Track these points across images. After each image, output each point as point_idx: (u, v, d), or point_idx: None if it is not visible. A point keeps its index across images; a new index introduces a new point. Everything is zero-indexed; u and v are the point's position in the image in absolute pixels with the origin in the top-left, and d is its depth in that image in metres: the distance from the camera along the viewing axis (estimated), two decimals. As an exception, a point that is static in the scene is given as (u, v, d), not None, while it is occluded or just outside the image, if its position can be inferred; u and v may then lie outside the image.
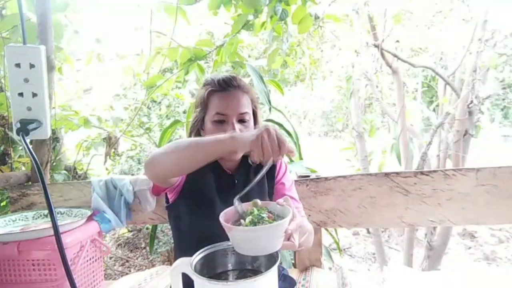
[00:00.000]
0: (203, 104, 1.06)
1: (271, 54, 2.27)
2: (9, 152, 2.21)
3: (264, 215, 0.80)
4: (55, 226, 0.73)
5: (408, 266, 3.25)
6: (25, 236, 1.27)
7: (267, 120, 2.21)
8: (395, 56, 3.27)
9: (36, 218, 1.54)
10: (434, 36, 3.66)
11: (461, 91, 3.06)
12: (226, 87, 1.04)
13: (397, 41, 3.43)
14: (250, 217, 0.79)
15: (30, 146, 0.76)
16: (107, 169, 3.22)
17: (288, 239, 0.78)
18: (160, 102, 3.71)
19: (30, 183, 1.79)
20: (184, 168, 0.88)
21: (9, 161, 2.22)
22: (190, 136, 1.10)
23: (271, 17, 1.98)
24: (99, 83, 4.04)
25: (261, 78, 1.93)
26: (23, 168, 2.25)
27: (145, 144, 3.47)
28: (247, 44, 3.93)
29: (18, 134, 0.81)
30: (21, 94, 0.83)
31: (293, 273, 1.50)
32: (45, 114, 0.85)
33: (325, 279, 1.43)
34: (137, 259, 3.10)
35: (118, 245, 3.25)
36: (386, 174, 1.54)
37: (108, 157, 2.88)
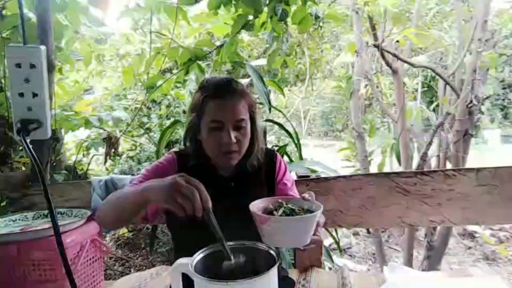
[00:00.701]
0: (198, 110, 1.02)
1: (271, 54, 2.26)
2: (9, 152, 2.21)
3: (294, 207, 0.81)
4: (55, 226, 0.73)
5: (408, 266, 3.25)
6: (25, 236, 1.27)
7: (267, 120, 2.21)
8: (395, 56, 3.27)
9: (36, 218, 1.55)
10: (434, 36, 3.66)
11: (461, 91, 3.06)
12: (222, 92, 1.00)
13: (397, 41, 3.43)
14: (282, 209, 0.79)
15: (31, 146, 0.76)
16: (107, 169, 3.22)
17: (314, 234, 0.79)
18: (160, 102, 3.71)
19: (30, 183, 1.79)
20: (124, 222, 0.92)
21: (9, 161, 2.22)
22: (185, 140, 1.07)
23: (271, 17, 1.98)
24: (99, 83, 4.04)
25: (261, 78, 1.93)
26: (23, 168, 2.25)
27: (145, 144, 3.47)
28: (247, 44, 3.93)
29: (18, 134, 0.81)
30: (21, 94, 0.83)
31: (293, 273, 1.50)
32: (46, 114, 0.85)
33: (325, 279, 1.43)
34: (137, 259, 3.10)
35: (118, 245, 3.25)
36: (386, 174, 1.55)
37: (108, 157, 2.88)
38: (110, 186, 1.67)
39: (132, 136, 3.46)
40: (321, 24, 3.40)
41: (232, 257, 0.76)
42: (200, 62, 2.10)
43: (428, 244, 3.19)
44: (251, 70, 1.95)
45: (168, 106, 3.65)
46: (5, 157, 2.22)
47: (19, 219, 1.51)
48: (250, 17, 1.98)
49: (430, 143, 3.09)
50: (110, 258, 3.04)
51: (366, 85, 4.15)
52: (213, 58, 2.30)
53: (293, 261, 1.68)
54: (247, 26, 2.00)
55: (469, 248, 4.14)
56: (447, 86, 3.33)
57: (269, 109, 1.95)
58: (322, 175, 1.67)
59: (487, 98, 3.28)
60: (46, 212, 1.57)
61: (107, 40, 3.73)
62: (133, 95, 3.73)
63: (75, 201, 1.73)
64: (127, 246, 3.24)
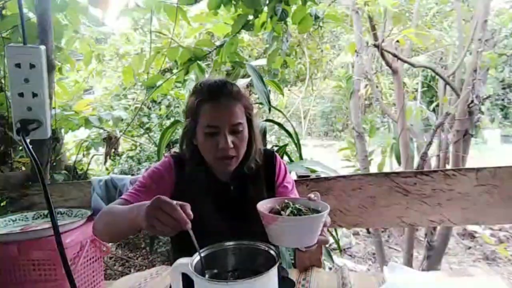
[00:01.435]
0: (194, 114, 0.98)
1: (271, 54, 2.26)
2: (9, 152, 2.21)
3: (301, 208, 0.81)
4: (55, 226, 0.73)
5: (408, 266, 3.25)
6: (25, 236, 1.27)
7: (267, 120, 2.21)
8: (395, 56, 3.27)
9: (36, 218, 1.55)
10: (434, 36, 3.66)
11: (461, 91, 3.06)
12: (216, 96, 0.96)
13: (397, 41, 3.43)
14: (290, 209, 0.79)
15: (30, 146, 0.76)
16: (107, 169, 3.22)
17: (320, 234, 0.79)
18: (160, 102, 3.71)
19: (30, 183, 1.79)
20: (121, 238, 0.92)
21: (9, 161, 2.22)
22: (181, 145, 1.05)
23: (271, 17, 1.98)
24: (99, 83, 4.05)
25: (261, 78, 1.93)
26: (23, 168, 2.25)
27: (145, 144, 3.48)
28: (247, 44, 3.93)
29: (18, 134, 0.82)
30: (21, 94, 0.84)
31: (293, 273, 1.50)
32: (45, 114, 0.85)
33: (325, 279, 1.43)
34: (137, 259, 3.10)
35: (118, 245, 3.25)
36: (386, 174, 1.55)
37: (108, 157, 2.88)
38: (110, 186, 1.67)
39: (132, 136, 3.46)
40: (321, 24, 3.40)
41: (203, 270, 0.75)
42: (200, 62, 2.10)
43: (428, 244, 3.19)
44: (251, 70, 1.95)
45: (168, 106, 3.65)
46: (5, 157, 2.22)
47: (19, 219, 1.52)
48: (250, 17, 1.98)
49: (430, 143, 3.09)
50: (110, 258, 3.04)
51: (366, 85, 4.15)
52: (213, 58, 2.30)
53: (293, 261, 1.68)
54: (247, 26, 2.00)
55: (469, 248, 4.14)
56: (447, 86, 3.33)
57: (269, 109, 1.95)
58: (322, 175, 1.67)
59: (487, 98, 3.28)
60: (46, 212, 1.57)
61: (107, 40, 3.73)
62: (133, 95, 3.73)
63: (75, 201, 1.73)
64: (127, 246, 3.24)
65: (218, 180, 1.05)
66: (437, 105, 3.99)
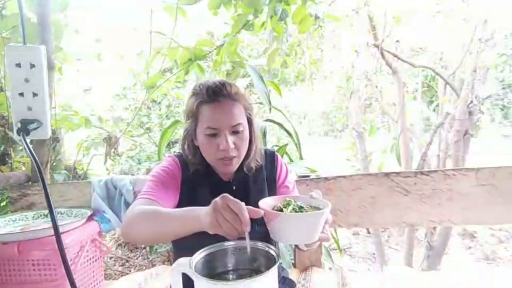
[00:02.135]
0: (193, 116, 0.98)
1: (271, 54, 2.27)
2: (9, 152, 2.21)
3: (303, 205, 0.81)
4: (55, 226, 0.73)
5: (408, 266, 3.25)
6: (25, 236, 1.27)
7: (267, 120, 2.21)
8: (395, 56, 3.27)
9: (36, 218, 1.55)
10: (434, 36, 3.66)
11: (461, 91, 3.07)
12: (215, 97, 0.95)
13: (397, 41, 3.43)
14: (291, 206, 0.80)
15: (30, 146, 0.76)
16: (107, 169, 3.22)
17: (322, 232, 0.79)
18: (160, 102, 3.71)
19: (30, 183, 1.79)
20: (163, 239, 0.88)
21: (9, 161, 2.22)
22: (183, 146, 1.04)
23: (271, 17, 1.98)
24: (99, 83, 4.05)
25: (261, 78, 1.93)
26: (23, 168, 2.25)
27: (145, 144, 3.48)
28: (247, 44, 3.93)
29: (18, 134, 0.81)
30: (21, 94, 0.83)
31: (293, 273, 1.50)
32: (45, 114, 0.85)
33: (325, 279, 1.43)
34: (137, 259, 3.10)
35: (118, 245, 3.25)
36: (386, 174, 1.55)
37: (108, 157, 2.88)
38: (110, 186, 1.67)
39: (132, 136, 3.46)
40: (321, 24, 3.40)
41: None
42: (200, 62, 2.10)
43: (428, 244, 3.19)
44: (251, 70, 1.95)
45: (168, 106, 3.65)
46: (5, 157, 2.22)
47: (19, 219, 1.51)
48: (250, 17, 1.98)
49: (430, 143, 3.09)
50: (110, 258, 3.04)
51: (366, 85, 4.15)
52: (213, 58, 2.30)
53: (293, 261, 1.68)
54: (247, 26, 2.00)
55: (469, 248, 4.14)
56: (447, 86, 3.33)
57: (270, 109, 1.95)
58: (322, 175, 1.67)
59: (487, 98, 3.28)
60: (46, 212, 1.57)
61: (107, 39, 3.73)
62: (133, 95, 3.73)
63: (75, 201, 1.73)
64: (127, 246, 3.24)
65: (220, 180, 1.06)
66: (437, 105, 3.99)
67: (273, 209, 0.81)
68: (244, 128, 0.98)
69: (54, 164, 2.35)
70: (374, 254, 4.04)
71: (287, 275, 1.19)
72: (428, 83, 4.59)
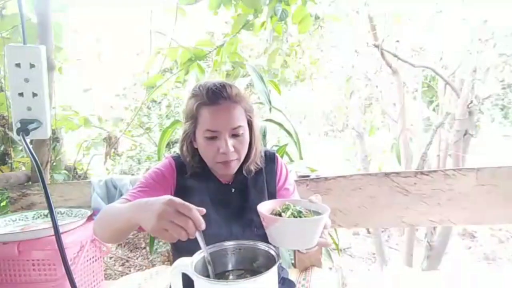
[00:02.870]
0: (193, 118, 0.96)
1: (271, 54, 2.27)
2: (9, 152, 2.21)
3: (302, 210, 0.81)
4: (55, 226, 0.73)
5: (408, 266, 3.25)
6: (25, 236, 1.27)
7: (267, 120, 2.21)
8: (395, 56, 3.27)
9: (36, 218, 1.55)
10: (434, 36, 3.66)
11: (461, 91, 3.07)
12: (215, 99, 0.93)
13: (397, 41, 3.43)
14: (290, 211, 0.79)
15: (30, 146, 0.76)
16: (107, 169, 3.22)
17: (320, 236, 0.78)
18: (160, 102, 3.71)
19: (30, 183, 1.79)
20: (120, 238, 0.86)
21: (9, 161, 2.22)
22: (182, 148, 1.03)
23: (271, 17, 1.98)
24: (99, 83, 4.04)
25: (261, 78, 1.93)
26: (23, 168, 2.25)
27: (145, 144, 3.47)
28: (247, 44, 3.93)
29: (18, 134, 0.81)
30: (21, 94, 0.83)
31: (293, 273, 1.50)
32: (45, 114, 0.85)
33: (325, 279, 1.43)
34: (137, 259, 3.10)
35: (118, 245, 3.25)
36: (386, 174, 1.55)
37: (108, 157, 2.88)
38: (110, 186, 1.67)
39: (132, 136, 3.46)
40: (321, 24, 3.40)
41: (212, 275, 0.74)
42: (200, 62, 2.10)
43: (428, 244, 3.19)
44: (251, 70, 1.95)
45: (168, 106, 3.65)
46: (5, 157, 2.22)
47: (19, 219, 1.52)
48: (250, 17, 1.98)
49: (430, 143, 3.09)
50: (110, 258, 3.04)
51: (366, 85, 4.15)
52: (213, 58, 2.30)
53: (292, 261, 1.68)
54: (247, 26, 2.00)
55: (469, 248, 4.14)
56: (447, 86, 3.33)
57: (270, 109, 1.95)
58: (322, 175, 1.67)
59: (487, 98, 3.28)
60: (46, 212, 1.57)
61: (107, 39, 3.73)
62: (133, 95, 3.73)
63: (75, 201, 1.73)
64: (127, 246, 3.24)
65: (219, 183, 1.04)
66: (437, 105, 3.99)
67: (271, 213, 0.81)
68: (244, 130, 0.97)
69: (54, 164, 2.35)
70: (374, 254, 4.04)
71: (287, 275, 1.19)
72: (428, 83, 4.59)
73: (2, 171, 2.07)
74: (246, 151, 0.99)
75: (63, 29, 2.04)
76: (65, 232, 1.32)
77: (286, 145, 1.97)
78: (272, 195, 1.08)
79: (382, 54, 3.29)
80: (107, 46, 3.73)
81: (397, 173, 1.54)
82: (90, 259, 1.41)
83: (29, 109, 0.84)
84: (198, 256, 0.77)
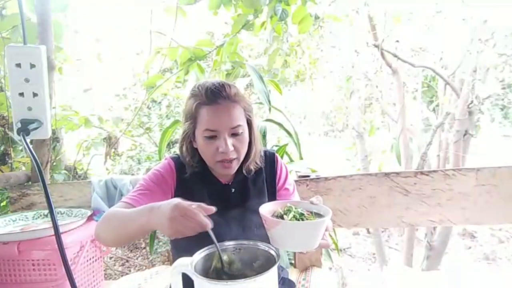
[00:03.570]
0: (192, 118, 0.96)
1: (271, 54, 2.27)
2: (9, 152, 2.21)
3: (303, 212, 0.81)
4: (55, 226, 0.73)
5: (408, 266, 3.25)
6: (25, 236, 1.27)
7: (267, 120, 2.21)
8: (395, 56, 3.27)
9: (36, 218, 1.55)
10: (434, 36, 3.66)
11: (461, 91, 3.07)
12: (214, 99, 0.93)
13: (397, 41, 3.43)
14: (292, 213, 0.79)
15: (30, 146, 0.76)
16: (107, 169, 3.22)
17: (322, 238, 0.79)
18: (160, 102, 3.71)
19: (30, 183, 1.79)
20: (127, 242, 0.89)
21: (9, 161, 2.22)
22: (181, 148, 1.03)
23: (271, 17, 1.98)
24: (99, 83, 4.05)
25: (261, 78, 1.93)
26: (23, 168, 2.25)
27: (145, 144, 3.47)
28: (247, 44, 3.93)
29: (18, 134, 0.81)
30: (21, 94, 0.83)
31: (293, 273, 1.50)
32: (46, 114, 0.85)
33: (325, 279, 1.43)
34: (137, 259, 3.10)
35: (118, 245, 3.25)
36: (386, 174, 1.55)
37: (108, 157, 2.88)
38: (110, 186, 1.67)
39: (132, 136, 3.46)
40: (321, 24, 3.40)
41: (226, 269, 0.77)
42: (200, 62, 2.10)
43: (428, 244, 3.19)
44: (251, 70, 1.95)
45: (168, 106, 3.65)
46: (5, 157, 2.22)
47: (19, 219, 1.52)
48: (250, 17, 1.99)
49: (430, 143, 3.09)
50: (110, 258, 3.04)
51: (366, 85, 4.15)
52: (213, 58, 2.30)
53: (291, 261, 1.68)
54: (247, 26, 2.00)
55: (469, 248, 4.14)
56: (447, 86, 3.33)
57: (269, 109, 1.95)
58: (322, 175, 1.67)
59: (487, 98, 3.28)
60: (46, 212, 1.57)
61: (107, 39, 3.73)
62: (133, 95, 3.73)
63: (75, 201, 1.73)
64: (127, 246, 3.24)
65: (219, 183, 1.04)
66: (437, 105, 3.99)
67: (273, 215, 0.81)
68: (244, 130, 0.97)
69: (54, 164, 2.36)
70: (374, 254, 4.04)
71: (287, 275, 1.19)
72: (428, 83, 4.59)
73: (2, 171, 2.07)
74: (245, 150, 0.99)
75: (63, 29, 2.04)
76: (65, 232, 1.32)
77: (286, 145, 1.97)
78: (272, 195, 1.08)
79: (382, 54, 3.29)
80: (107, 46, 3.74)
81: (397, 173, 1.54)
82: (90, 259, 1.41)
83: (29, 109, 0.84)
84: (198, 256, 0.77)
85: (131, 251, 3.21)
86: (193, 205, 0.71)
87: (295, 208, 0.83)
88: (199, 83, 0.99)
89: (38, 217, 1.56)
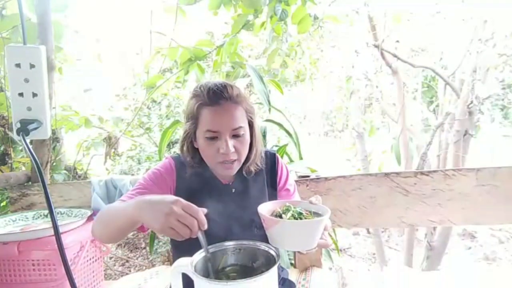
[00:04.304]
0: (193, 118, 0.96)
1: (271, 54, 2.27)
2: (9, 152, 2.21)
3: (302, 211, 0.81)
4: (55, 226, 0.73)
5: (408, 266, 3.25)
6: (25, 236, 1.27)
7: (267, 120, 2.21)
8: (395, 56, 3.27)
9: (36, 218, 1.55)
10: (434, 36, 3.67)
11: (461, 91, 3.07)
12: (216, 100, 0.93)
13: (397, 41, 3.43)
14: (291, 213, 0.79)
15: (30, 146, 0.76)
16: (107, 169, 3.22)
17: (320, 238, 0.79)
18: (160, 102, 3.71)
19: (30, 183, 1.79)
20: (119, 237, 0.87)
21: (9, 161, 2.22)
22: (182, 148, 1.03)
23: (271, 17, 1.98)
24: (99, 83, 4.05)
25: (261, 78, 1.93)
26: (23, 168, 2.25)
27: (145, 144, 3.47)
28: (247, 44, 3.93)
29: (18, 134, 0.81)
30: (21, 94, 0.83)
31: (293, 273, 1.50)
32: (45, 114, 0.85)
33: (325, 279, 1.43)
34: (137, 259, 3.10)
35: (118, 245, 3.25)
36: (386, 174, 1.55)
37: (108, 157, 2.88)
38: (110, 186, 1.67)
39: (132, 136, 3.46)
40: (321, 24, 3.40)
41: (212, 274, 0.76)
42: (200, 62, 2.10)
43: (428, 244, 3.19)
44: (251, 70, 1.95)
45: (168, 106, 3.65)
46: (5, 157, 2.22)
47: (19, 219, 1.52)
48: (250, 17, 1.98)
49: (430, 143, 3.09)
50: (110, 258, 3.04)
51: (366, 85, 4.15)
52: (213, 58, 2.30)
53: (291, 261, 1.68)
54: (247, 26, 2.00)
55: (469, 248, 4.14)
56: (447, 86, 3.33)
57: (269, 109, 1.95)
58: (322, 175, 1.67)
59: (487, 98, 3.28)
60: (46, 212, 1.57)
61: (107, 39, 3.73)
62: (133, 95, 3.73)
63: (75, 201, 1.73)
64: (127, 246, 3.24)
65: (220, 183, 1.04)
66: (437, 105, 3.99)
67: (272, 214, 0.81)
68: (245, 131, 0.97)
69: (54, 164, 2.35)
70: (374, 254, 4.04)
71: (287, 275, 1.19)
72: (428, 83, 4.59)
73: (2, 171, 2.07)
74: (247, 151, 0.99)
75: (63, 29, 2.04)
76: (65, 232, 1.32)
77: (286, 145, 1.97)
78: (272, 196, 1.08)
79: (382, 54, 3.30)
80: (107, 46, 3.73)
81: (397, 173, 1.54)
82: (90, 259, 1.41)
83: (29, 109, 0.84)
84: (198, 256, 0.77)
85: (131, 251, 3.21)
86: (193, 209, 0.70)
87: (294, 208, 0.83)
88: (201, 84, 0.99)
89: (38, 217, 1.55)
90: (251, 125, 1.00)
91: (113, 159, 3.30)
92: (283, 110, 2.17)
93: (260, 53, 3.86)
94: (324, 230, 0.80)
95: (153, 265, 2.82)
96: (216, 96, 0.93)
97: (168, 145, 2.99)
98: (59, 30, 1.97)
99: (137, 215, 0.74)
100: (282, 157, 1.85)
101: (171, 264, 0.82)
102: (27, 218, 1.54)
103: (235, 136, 0.95)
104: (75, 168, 2.58)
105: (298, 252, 1.24)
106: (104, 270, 1.56)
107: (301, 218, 0.79)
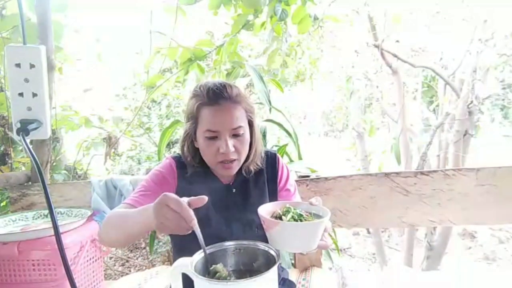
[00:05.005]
0: (193, 118, 0.97)
1: (271, 54, 2.27)
2: (9, 152, 2.21)
3: (302, 213, 0.81)
4: (55, 226, 0.73)
5: (408, 266, 3.26)
6: (25, 236, 1.27)
7: (267, 120, 2.21)
8: (395, 56, 3.27)
9: (36, 218, 1.55)
10: (434, 36, 3.67)
11: (461, 91, 3.07)
12: (216, 99, 0.93)
13: (397, 41, 3.43)
14: (291, 214, 0.79)
15: (30, 146, 0.76)
16: (107, 169, 3.22)
17: (321, 239, 0.79)
18: (160, 102, 3.71)
19: (30, 183, 1.79)
20: (131, 242, 0.88)
21: (9, 161, 2.22)
22: (182, 148, 1.03)
23: (271, 17, 1.98)
24: (99, 83, 4.04)
25: (261, 78, 1.93)
26: (23, 168, 2.25)
27: (145, 144, 3.47)
28: (247, 44, 3.93)
29: (18, 134, 0.81)
30: (21, 94, 0.83)
31: (293, 273, 1.50)
32: (45, 114, 0.85)
33: (325, 279, 1.43)
34: (137, 259, 3.10)
35: (118, 245, 3.25)
36: (386, 174, 1.55)
37: (108, 157, 2.88)
38: (110, 186, 1.67)
39: (132, 136, 3.46)
40: (320, 24, 3.40)
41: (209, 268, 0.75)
42: (200, 62, 2.10)
43: (428, 244, 3.19)
44: (251, 70, 1.95)
45: (168, 106, 3.65)
46: (5, 157, 2.22)
47: (19, 219, 1.52)
48: (250, 17, 1.98)
49: (430, 143, 3.09)
50: (110, 258, 3.04)
51: (366, 85, 4.16)
52: (213, 58, 2.30)
53: (292, 261, 1.68)
54: (247, 26, 2.00)
55: (469, 248, 4.14)
56: (447, 86, 3.33)
57: (270, 109, 1.95)
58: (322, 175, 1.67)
59: (487, 98, 3.29)
60: (46, 212, 1.57)
61: (107, 39, 3.73)
62: (133, 95, 3.73)
63: (75, 201, 1.73)
64: (127, 246, 3.24)
65: (220, 183, 1.04)
66: (437, 105, 3.99)
67: (272, 216, 0.81)
68: (245, 131, 0.97)
69: (54, 164, 2.35)
70: (374, 254, 4.04)
71: (287, 275, 1.19)
72: (428, 83, 4.59)
73: (2, 171, 2.07)
74: (247, 151, 0.99)
75: (63, 29, 2.04)
76: (65, 232, 1.32)
77: (286, 145, 1.97)
78: (273, 196, 1.07)
79: (382, 54, 3.29)
80: (107, 46, 3.73)
81: (397, 173, 1.54)
82: (90, 259, 1.41)
83: (29, 109, 0.84)
84: (198, 256, 0.77)
85: (131, 251, 3.21)
86: (184, 199, 0.69)
87: (294, 209, 0.82)
88: (201, 83, 0.99)
89: (38, 217, 1.56)
90: (250, 124, 1.00)
91: (113, 159, 3.30)
92: (283, 110, 2.17)
93: (260, 53, 3.86)
94: (324, 232, 0.80)
95: (153, 265, 2.82)
96: (216, 96, 0.93)
97: (168, 145, 2.99)
98: (59, 30, 1.97)
99: (148, 221, 0.74)
100: (282, 157, 1.85)
101: (171, 264, 0.82)
102: (27, 218, 1.54)
103: (235, 135, 0.95)
104: (75, 168, 2.58)
105: (298, 253, 1.25)
106: (104, 270, 1.56)
107: (301, 220, 0.79)
